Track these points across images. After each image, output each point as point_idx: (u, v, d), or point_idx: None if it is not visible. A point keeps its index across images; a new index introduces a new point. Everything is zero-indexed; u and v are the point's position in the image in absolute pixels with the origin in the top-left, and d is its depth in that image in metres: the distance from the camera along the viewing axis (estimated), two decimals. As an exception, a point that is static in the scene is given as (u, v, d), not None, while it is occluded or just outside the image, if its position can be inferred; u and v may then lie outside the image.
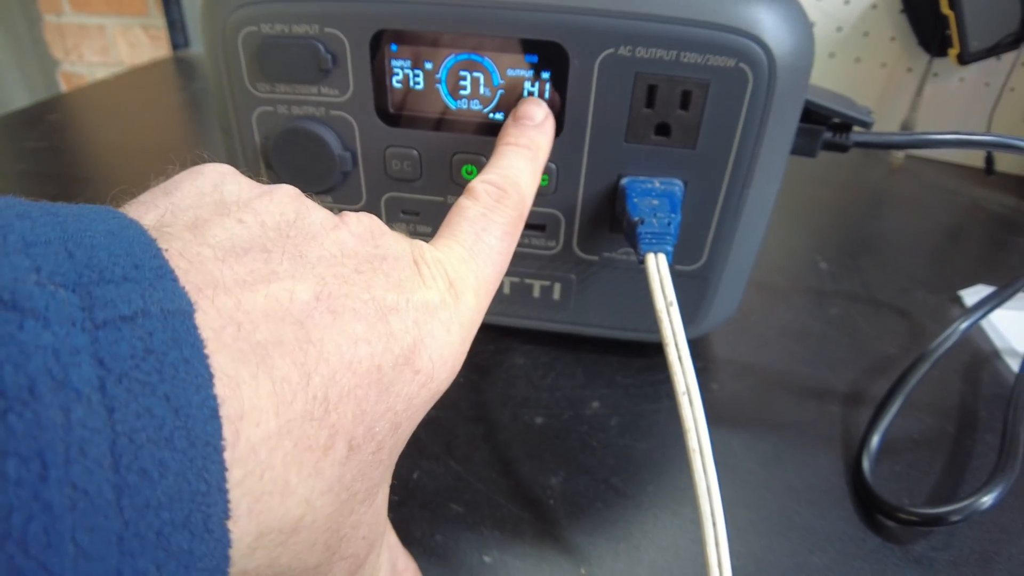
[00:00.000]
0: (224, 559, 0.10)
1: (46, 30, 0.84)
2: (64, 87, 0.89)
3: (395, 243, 0.17)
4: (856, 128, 0.27)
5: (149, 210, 0.14)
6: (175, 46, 0.77)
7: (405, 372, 0.15)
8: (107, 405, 0.09)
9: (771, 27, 0.21)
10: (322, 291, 0.14)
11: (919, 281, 0.40)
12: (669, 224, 0.22)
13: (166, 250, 0.12)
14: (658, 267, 0.21)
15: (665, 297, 0.20)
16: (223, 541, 0.10)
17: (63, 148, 0.52)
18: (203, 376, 0.10)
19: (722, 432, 0.27)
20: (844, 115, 0.26)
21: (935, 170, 0.58)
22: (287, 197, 0.16)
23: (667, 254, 0.22)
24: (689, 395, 0.18)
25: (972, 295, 0.38)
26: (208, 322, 0.11)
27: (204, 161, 0.17)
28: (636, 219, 0.22)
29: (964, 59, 0.52)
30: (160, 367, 0.10)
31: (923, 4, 0.53)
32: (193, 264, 0.12)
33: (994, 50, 0.52)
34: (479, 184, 0.19)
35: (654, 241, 0.22)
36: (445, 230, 0.18)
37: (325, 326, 0.13)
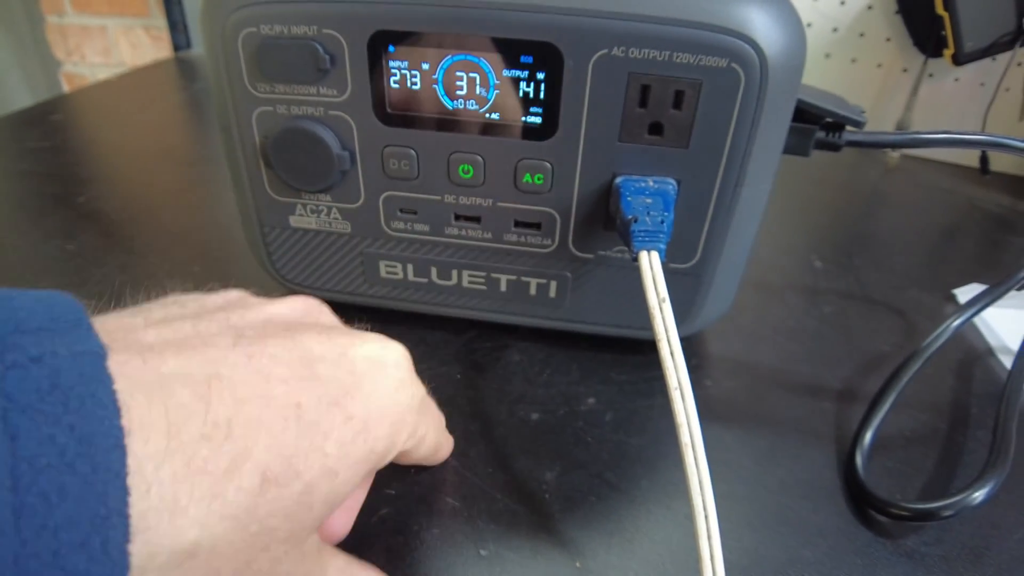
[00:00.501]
0: None
1: (48, 31, 0.84)
2: (66, 88, 0.90)
3: (333, 317, 0.19)
4: (849, 127, 0.28)
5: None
6: (177, 47, 0.78)
7: (334, 414, 0.15)
8: (10, 433, 0.10)
9: (762, 27, 0.22)
10: (240, 340, 0.15)
11: (913, 280, 0.40)
12: (662, 222, 0.23)
13: (94, 317, 0.13)
14: (651, 264, 0.21)
15: (658, 294, 0.21)
16: (120, 564, 0.11)
17: (65, 148, 0.52)
18: (109, 408, 0.11)
19: (716, 428, 0.27)
20: (836, 114, 0.27)
21: (931, 170, 0.58)
22: (236, 293, 0.18)
23: (660, 252, 0.22)
24: (681, 390, 0.18)
25: (966, 294, 0.38)
26: (117, 359, 0.12)
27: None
28: (629, 217, 0.23)
29: (959, 60, 0.53)
30: (66, 400, 0.11)
31: (918, 5, 0.53)
32: (117, 324, 0.14)
33: (989, 51, 0.53)
34: None
35: (647, 239, 0.22)
36: None
37: (238, 366, 0.14)
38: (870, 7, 0.55)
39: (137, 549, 0.11)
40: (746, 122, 0.23)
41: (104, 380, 0.11)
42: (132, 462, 0.11)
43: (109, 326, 0.13)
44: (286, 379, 0.15)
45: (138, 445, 0.11)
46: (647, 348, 0.32)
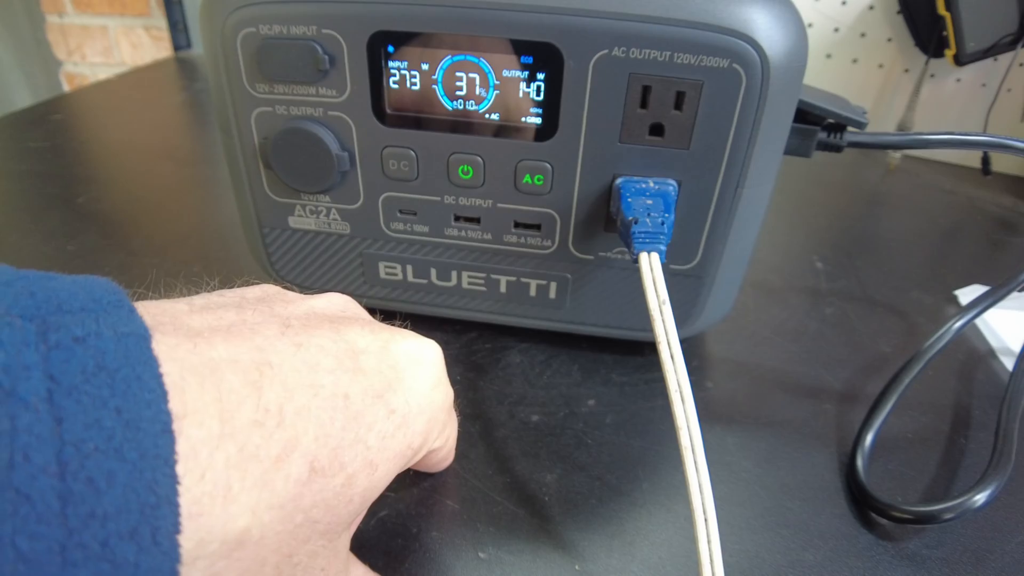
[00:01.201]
0: (172, 573, 0.10)
1: (49, 30, 0.84)
2: (67, 87, 0.89)
3: (367, 315, 0.19)
4: (850, 128, 0.27)
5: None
6: (177, 47, 0.78)
7: (378, 407, 0.15)
8: (55, 415, 0.09)
9: (764, 28, 0.22)
10: (287, 330, 0.15)
11: (915, 281, 0.40)
12: (663, 224, 0.22)
13: (137, 303, 0.13)
14: (651, 266, 0.21)
15: (658, 295, 0.21)
16: (171, 555, 0.10)
17: (65, 148, 0.52)
18: (156, 392, 0.11)
19: (716, 430, 0.27)
20: (838, 115, 0.26)
21: (932, 170, 0.58)
22: (272, 287, 0.18)
23: (660, 253, 0.22)
24: (681, 393, 0.18)
25: (968, 295, 0.38)
26: (165, 342, 0.12)
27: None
28: (630, 219, 0.23)
29: (961, 60, 0.52)
30: (112, 382, 0.10)
31: (920, 5, 0.53)
32: (161, 308, 0.14)
33: (991, 51, 0.52)
34: None
35: (647, 240, 0.22)
36: None
37: (287, 354, 0.14)
38: (871, 7, 0.55)
39: (188, 536, 0.11)
40: (747, 123, 0.23)
41: (150, 362, 0.11)
42: (186, 446, 0.11)
43: (153, 310, 0.13)
44: (333, 370, 0.15)
45: (192, 429, 0.11)
46: (648, 349, 0.32)
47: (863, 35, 0.56)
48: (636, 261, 0.22)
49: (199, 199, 0.45)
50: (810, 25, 0.57)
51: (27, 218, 0.41)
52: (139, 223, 0.41)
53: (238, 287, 0.18)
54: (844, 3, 0.55)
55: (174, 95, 0.67)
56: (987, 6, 0.51)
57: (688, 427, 0.18)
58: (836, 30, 0.57)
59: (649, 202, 0.23)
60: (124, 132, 0.57)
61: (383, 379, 0.16)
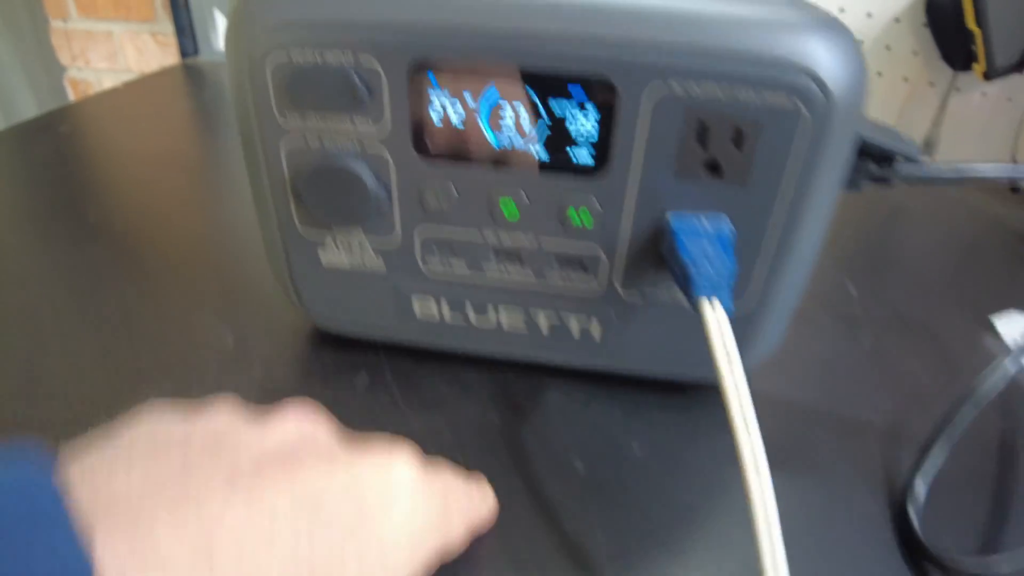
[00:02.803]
0: None
1: (53, 35, 0.83)
2: (71, 92, 0.88)
3: (329, 430, 0.18)
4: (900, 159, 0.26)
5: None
6: (184, 53, 0.76)
7: (348, 555, 0.15)
8: None
9: (828, 63, 0.20)
10: (235, 490, 0.14)
11: (948, 305, 0.39)
12: (724, 266, 0.21)
13: (70, 469, 0.13)
14: (716, 314, 0.20)
15: (726, 346, 0.19)
16: None
17: (73, 161, 0.51)
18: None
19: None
20: (892, 150, 0.25)
21: (958, 186, 0.57)
22: (223, 417, 0.17)
23: (723, 300, 0.21)
24: (757, 466, 0.17)
25: (1005, 322, 0.37)
26: (106, 543, 0.12)
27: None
28: (688, 261, 0.21)
29: (990, 75, 0.51)
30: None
31: (948, 19, 0.52)
32: (96, 480, 0.13)
33: (1021, 66, 0.51)
34: None
35: (709, 285, 0.21)
36: None
37: (238, 516, 0.14)
38: (897, 20, 0.54)
39: None
40: (807, 160, 0.22)
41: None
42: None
43: (89, 491, 0.13)
44: (292, 520, 0.14)
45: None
46: (689, 387, 0.31)
47: (888, 48, 0.55)
48: (697, 307, 0.21)
49: (214, 213, 0.44)
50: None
51: (38, 237, 0.40)
52: (154, 242, 0.40)
53: (185, 419, 0.16)
54: (869, 15, 0.54)
55: (182, 104, 0.66)
56: (1017, 20, 0.50)
57: (764, 500, 0.17)
58: (860, 42, 0.56)
59: (706, 244, 0.22)
60: (133, 142, 0.55)
61: (348, 523, 0.15)
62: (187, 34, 0.75)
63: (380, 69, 0.22)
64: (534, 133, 0.22)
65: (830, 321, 0.37)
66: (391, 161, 0.24)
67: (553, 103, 0.22)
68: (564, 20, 0.20)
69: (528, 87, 0.21)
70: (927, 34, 0.54)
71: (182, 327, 0.32)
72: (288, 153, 0.24)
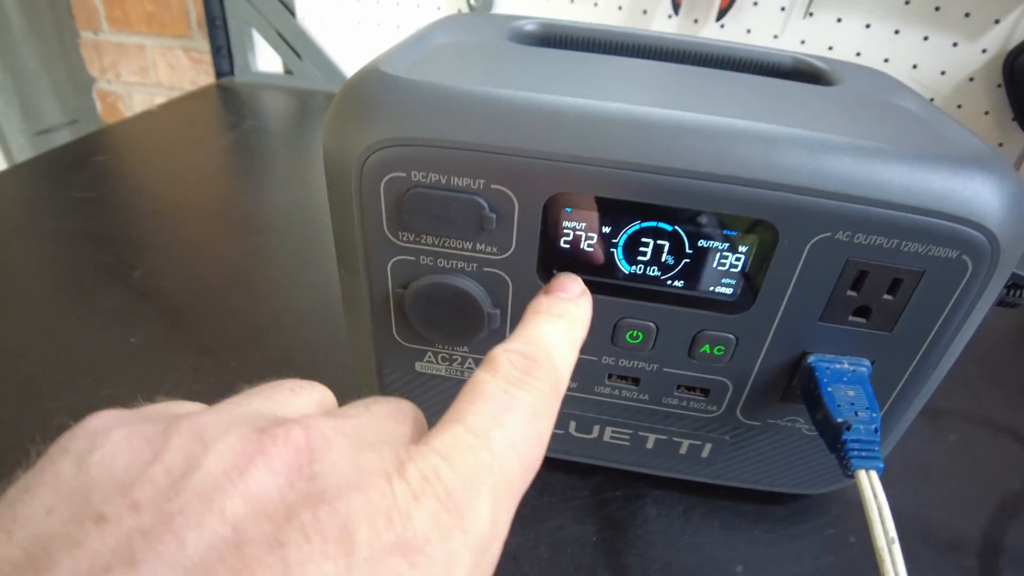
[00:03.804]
0: None
1: (83, 46, 0.80)
2: (99, 105, 0.86)
3: (345, 462, 0.12)
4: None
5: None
6: (219, 73, 0.74)
7: None
8: None
9: (998, 215, 0.19)
10: None
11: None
12: (875, 430, 0.20)
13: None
14: (874, 492, 0.18)
15: (886, 532, 0.18)
16: None
17: (112, 200, 0.49)
18: None
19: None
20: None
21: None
22: (180, 439, 0.11)
23: (879, 470, 0.19)
24: None
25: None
26: None
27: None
28: (839, 421, 0.20)
29: (1066, 139, 0.50)
30: None
31: (1025, 79, 0.50)
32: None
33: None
34: (501, 353, 0.15)
35: (864, 454, 0.19)
36: (453, 411, 0.14)
37: None
38: (971, 79, 0.52)
39: None
40: (961, 310, 0.20)
41: None
42: None
43: None
44: None
45: None
46: (786, 498, 0.29)
47: (959, 106, 0.54)
48: (851, 476, 0.19)
49: (272, 279, 0.42)
50: (904, 93, 0.54)
51: (82, 297, 0.38)
52: (207, 309, 0.38)
53: (148, 439, 0.12)
54: (943, 73, 0.53)
55: (222, 135, 0.63)
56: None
57: None
58: (931, 100, 0.54)
59: (851, 392, 0.21)
60: (173, 183, 0.53)
61: None
62: (223, 54, 0.72)
63: (514, 198, 0.20)
64: (674, 267, 0.21)
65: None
66: (511, 286, 0.22)
67: (702, 241, 0.20)
68: (729, 160, 0.18)
69: (676, 224, 0.20)
70: (1001, 94, 0.52)
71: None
72: (395, 269, 0.22)
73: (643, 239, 0.20)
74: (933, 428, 0.35)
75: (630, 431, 0.25)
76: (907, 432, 0.34)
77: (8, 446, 0.27)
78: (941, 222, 0.18)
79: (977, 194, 0.18)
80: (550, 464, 0.29)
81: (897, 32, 0.53)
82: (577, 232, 0.20)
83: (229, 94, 0.70)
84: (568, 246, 0.21)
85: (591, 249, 0.21)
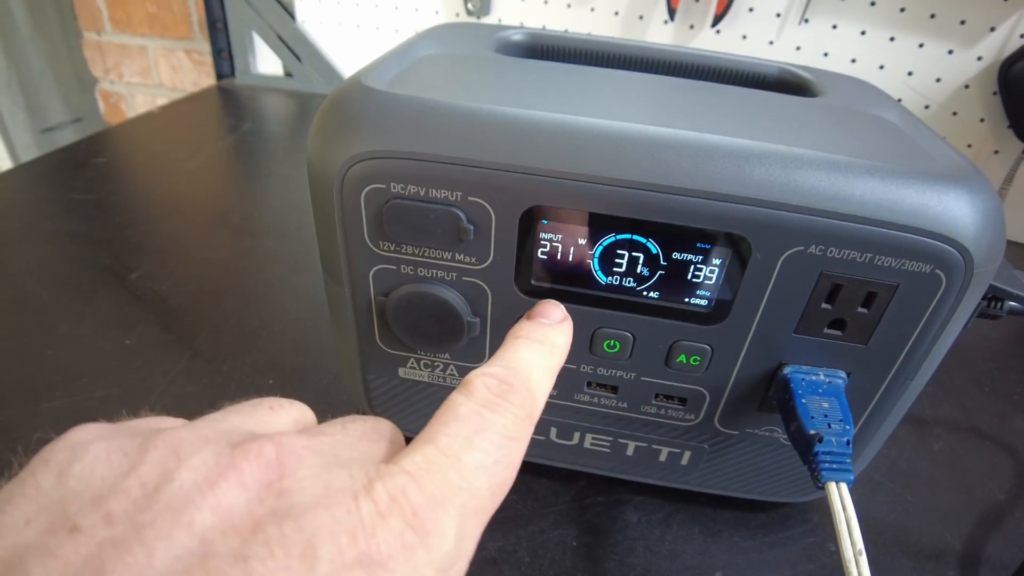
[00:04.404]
0: None
1: (86, 47, 0.81)
2: (102, 104, 0.86)
3: (314, 480, 0.12)
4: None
5: None
6: (220, 75, 0.75)
7: None
8: None
9: (972, 230, 0.19)
10: None
11: (1016, 404, 0.38)
12: (848, 442, 0.20)
13: None
14: (843, 503, 0.19)
15: (853, 544, 0.18)
16: None
17: (111, 203, 0.49)
18: None
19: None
20: (1012, 292, 0.24)
21: (1014, 255, 0.55)
22: (156, 453, 0.12)
23: (849, 483, 0.19)
24: None
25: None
26: None
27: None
28: (812, 433, 0.20)
29: (1062, 147, 0.50)
30: None
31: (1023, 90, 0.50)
32: None
33: (1094, 140, 0.50)
34: (478, 377, 0.16)
35: (835, 466, 0.19)
36: (426, 431, 0.14)
37: None
38: (967, 87, 0.52)
39: None
40: (936, 323, 0.20)
41: None
42: None
43: None
44: None
45: None
46: (766, 505, 0.29)
47: (954, 113, 0.54)
48: (822, 487, 0.19)
49: (265, 283, 0.42)
50: (900, 100, 0.54)
51: (79, 298, 0.39)
52: (201, 313, 0.38)
53: (126, 452, 0.12)
54: (938, 80, 0.53)
55: (222, 138, 0.64)
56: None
57: None
58: (927, 107, 0.54)
59: (825, 404, 0.21)
60: (172, 187, 0.54)
61: None
62: (224, 55, 0.73)
63: (491, 211, 0.20)
64: (649, 279, 0.21)
65: (899, 423, 0.35)
66: (490, 295, 0.22)
67: (676, 254, 0.20)
68: (704, 176, 0.19)
69: (650, 238, 0.20)
70: (996, 102, 0.52)
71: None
72: (376, 277, 0.23)
73: (618, 251, 0.21)
74: (919, 436, 0.35)
75: (610, 438, 0.26)
76: (893, 440, 0.34)
77: (3, 446, 0.28)
78: (914, 237, 0.19)
79: (950, 210, 0.19)
80: (533, 469, 0.29)
81: (892, 39, 0.53)
82: (554, 244, 0.21)
83: (229, 96, 0.71)
84: (545, 257, 0.21)
85: (567, 260, 0.21)
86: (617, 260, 0.21)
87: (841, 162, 0.19)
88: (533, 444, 0.27)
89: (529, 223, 0.20)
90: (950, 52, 0.52)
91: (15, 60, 0.91)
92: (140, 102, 0.84)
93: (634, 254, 0.21)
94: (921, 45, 0.52)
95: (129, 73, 0.80)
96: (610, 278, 0.21)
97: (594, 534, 0.27)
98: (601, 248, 0.21)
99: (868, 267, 0.19)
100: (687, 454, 0.26)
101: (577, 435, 0.26)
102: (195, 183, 0.54)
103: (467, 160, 0.19)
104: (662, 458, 0.26)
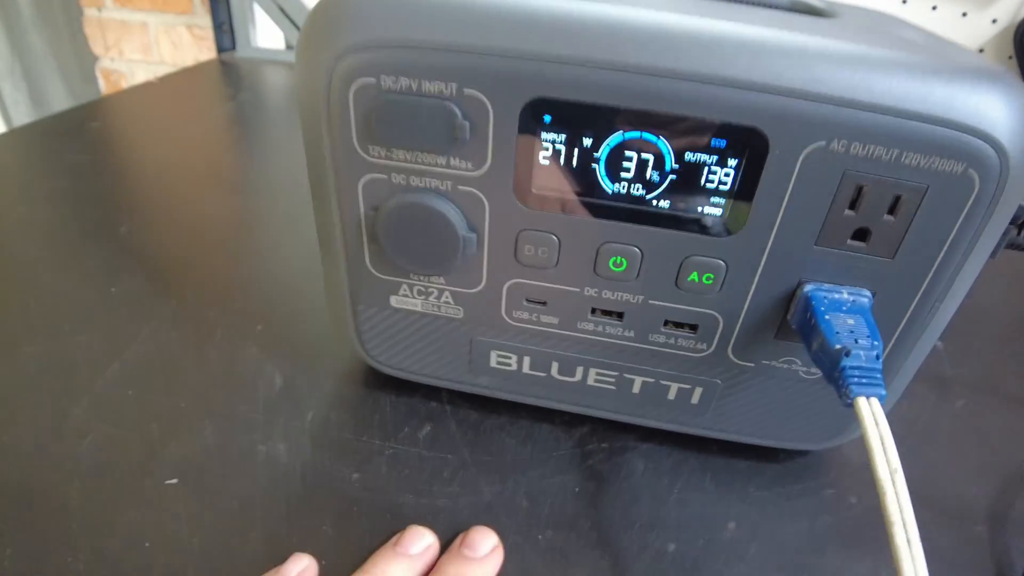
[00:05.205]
0: None
1: (86, 24, 0.80)
2: (103, 83, 0.86)
3: None
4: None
5: None
6: (221, 48, 0.74)
7: None
8: None
9: (1009, 127, 0.17)
10: None
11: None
12: (877, 356, 0.18)
13: None
14: (875, 419, 0.17)
15: (889, 462, 0.16)
16: None
17: (104, 164, 0.48)
18: None
19: (867, 559, 0.23)
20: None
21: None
22: None
23: (881, 398, 0.18)
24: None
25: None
26: None
27: None
28: (838, 347, 0.18)
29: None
30: None
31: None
32: None
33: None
34: None
35: (864, 381, 0.18)
36: None
37: None
38: (981, 50, 0.51)
39: None
40: (968, 233, 0.19)
41: None
42: None
43: None
44: None
45: None
46: (782, 455, 0.28)
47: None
48: (851, 406, 0.18)
49: (255, 236, 0.41)
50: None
51: (66, 250, 0.37)
52: (190, 264, 0.37)
53: None
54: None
55: (219, 105, 0.63)
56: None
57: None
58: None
59: (850, 321, 0.19)
60: (167, 148, 0.52)
61: None
62: (225, 29, 0.72)
63: (488, 105, 0.19)
64: (659, 184, 0.19)
65: (920, 382, 0.34)
66: (487, 207, 0.21)
67: (688, 154, 0.19)
68: (717, 61, 0.17)
69: (660, 134, 0.18)
70: (1012, 65, 0.51)
71: (224, 362, 0.30)
72: (366, 189, 0.21)
73: (626, 152, 0.19)
74: (940, 394, 0.33)
75: (615, 373, 0.24)
76: (912, 397, 0.32)
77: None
78: (945, 130, 0.17)
79: (985, 101, 0.17)
80: (533, 414, 0.28)
81: (905, 2, 0.51)
82: (557, 146, 0.19)
83: (229, 68, 0.70)
84: (547, 161, 0.20)
85: (571, 165, 0.20)
86: (624, 164, 0.19)
87: (865, 52, 0.17)
88: (532, 383, 0.25)
89: (531, 120, 0.19)
90: (964, 15, 0.50)
91: (18, 47, 0.91)
92: (141, 80, 0.83)
93: (643, 156, 0.19)
94: (934, 8, 0.51)
95: (130, 50, 0.80)
96: (617, 185, 0.20)
97: (597, 481, 0.25)
98: (608, 149, 0.19)
99: (895, 167, 0.18)
100: (698, 391, 0.24)
101: (580, 370, 0.24)
102: (189, 147, 0.53)
103: (461, 46, 0.18)
104: (671, 396, 0.24)
